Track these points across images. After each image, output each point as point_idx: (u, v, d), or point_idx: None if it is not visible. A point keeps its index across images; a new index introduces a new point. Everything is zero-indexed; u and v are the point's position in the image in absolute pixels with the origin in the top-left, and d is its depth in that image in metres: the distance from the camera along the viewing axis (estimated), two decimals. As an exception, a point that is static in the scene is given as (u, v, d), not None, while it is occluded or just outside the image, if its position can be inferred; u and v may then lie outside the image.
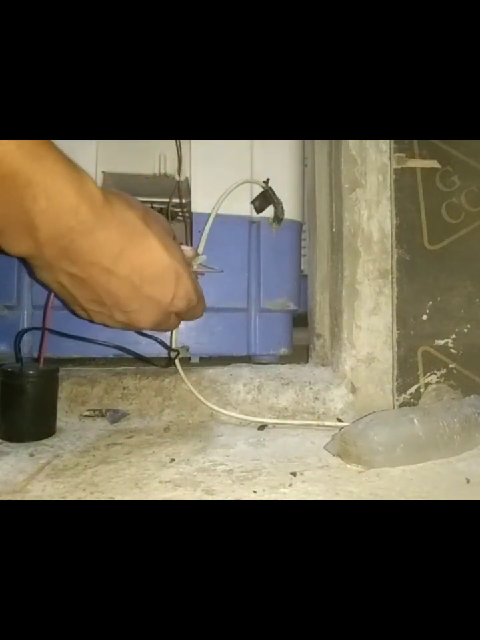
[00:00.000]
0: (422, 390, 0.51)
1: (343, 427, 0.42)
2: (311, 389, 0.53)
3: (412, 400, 0.50)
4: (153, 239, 0.38)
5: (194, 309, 0.44)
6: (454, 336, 0.51)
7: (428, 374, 0.51)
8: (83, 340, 0.47)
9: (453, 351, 0.51)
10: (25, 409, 0.44)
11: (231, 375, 0.54)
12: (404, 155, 0.52)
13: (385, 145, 0.53)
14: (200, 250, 0.53)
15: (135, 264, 0.37)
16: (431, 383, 0.51)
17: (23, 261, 0.39)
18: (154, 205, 0.58)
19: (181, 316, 0.45)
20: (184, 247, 0.45)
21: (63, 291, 0.39)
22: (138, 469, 0.38)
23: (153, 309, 0.40)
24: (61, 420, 0.49)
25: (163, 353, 0.55)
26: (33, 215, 0.32)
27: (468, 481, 0.37)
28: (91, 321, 0.42)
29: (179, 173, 0.54)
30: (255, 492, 0.35)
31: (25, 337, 0.54)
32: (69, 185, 0.32)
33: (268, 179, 0.56)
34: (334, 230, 0.58)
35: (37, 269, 0.38)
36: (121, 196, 0.37)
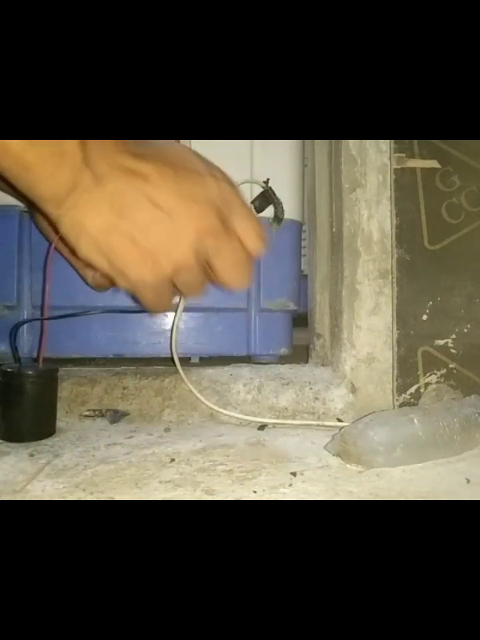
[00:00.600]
0: (422, 390, 0.51)
1: (342, 427, 0.42)
2: (311, 389, 0.53)
3: (412, 400, 0.50)
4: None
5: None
6: (454, 336, 0.51)
7: (428, 374, 0.51)
8: (78, 316, 0.47)
9: (452, 351, 0.51)
10: (25, 409, 0.44)
11: (231, 375, 0.54)
12: (404, 155, 0.52)
13: (385, 145, 0.53)
14: None
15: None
16: (431, 383, 0.51)
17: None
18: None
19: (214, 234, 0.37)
20: None
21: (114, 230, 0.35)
22: (138, 468, 0.38)
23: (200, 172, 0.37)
24: (61, 420, 0.49)
25: (163, 353, 0.55)
26: None
27: (468, 481, 0.37)
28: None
29: (179, 173, 0.54)
30: (254, 492, 0.35)
31: (26, 337, 0.54)
32: None
33: (268, 179, 0.56)
34: (334, 230, 0.58)
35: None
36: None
